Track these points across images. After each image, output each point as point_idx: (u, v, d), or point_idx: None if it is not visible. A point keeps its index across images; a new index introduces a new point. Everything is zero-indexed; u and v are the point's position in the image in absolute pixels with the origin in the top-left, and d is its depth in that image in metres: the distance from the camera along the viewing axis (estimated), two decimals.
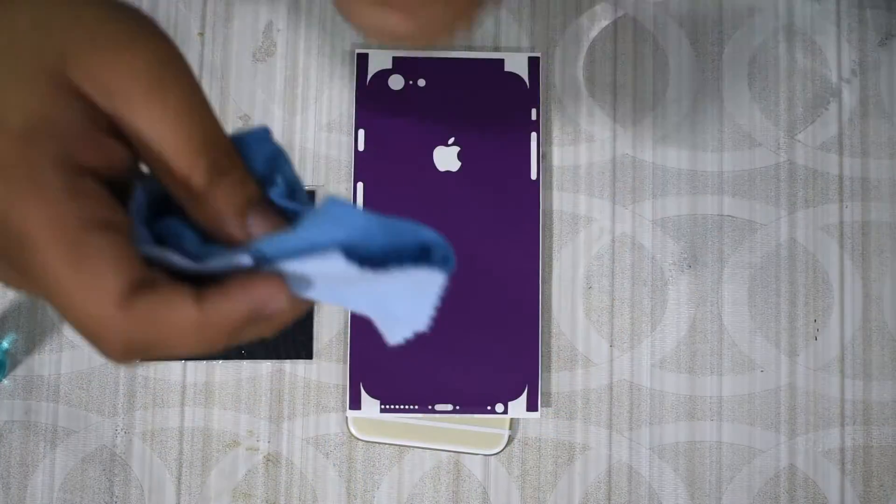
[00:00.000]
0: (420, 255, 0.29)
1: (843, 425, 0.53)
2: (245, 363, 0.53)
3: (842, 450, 0.53)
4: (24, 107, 0.26)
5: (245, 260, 0.28)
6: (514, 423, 0.52)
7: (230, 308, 0.27)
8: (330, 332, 0.53)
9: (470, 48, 0.54)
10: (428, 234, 0.29)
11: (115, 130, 0.28)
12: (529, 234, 0.52)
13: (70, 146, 0.26)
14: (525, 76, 0.54)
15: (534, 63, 0.54)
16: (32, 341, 0.52)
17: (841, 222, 0.54)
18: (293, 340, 0.52)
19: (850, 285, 0.54)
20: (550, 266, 0.53)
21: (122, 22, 0.28)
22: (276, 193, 0.29)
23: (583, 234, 0.54)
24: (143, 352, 0.27)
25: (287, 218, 0.30)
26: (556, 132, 0.54)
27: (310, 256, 0.27)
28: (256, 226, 0.29)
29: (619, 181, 0.54)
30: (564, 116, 0.54)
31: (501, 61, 0.54)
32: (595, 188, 0.54)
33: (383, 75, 0.53)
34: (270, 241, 0.28)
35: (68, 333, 0.52)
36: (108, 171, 0.27)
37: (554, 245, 0.53)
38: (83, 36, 0.27)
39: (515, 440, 0.52)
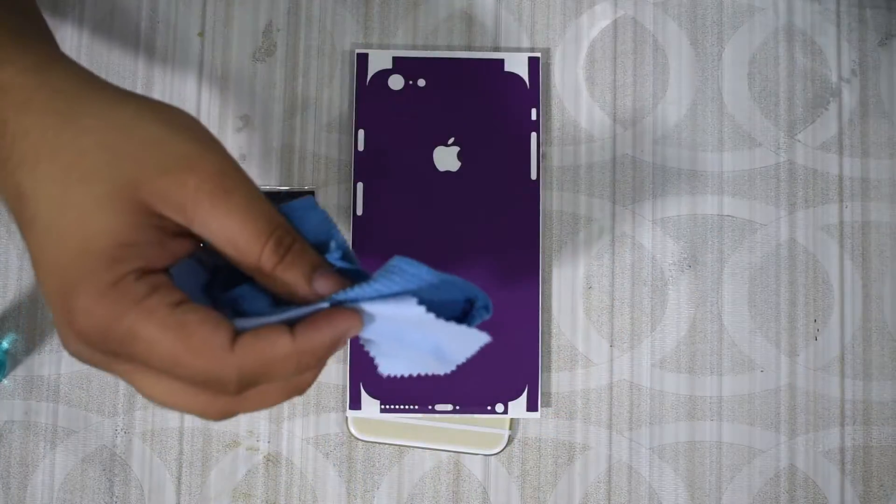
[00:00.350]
0: (465, 304, 0.36)
1: (843, 425, 0.53)
2: None
3: (842, 450, 0.53)
4: (108, 232, 0.30)
5: (324, 305, 0.33)
6: (514, 423, 0.52)
7: (320, 337, 0.32)
8: None
9: (470, 48, 0.55)
10: (473, 289, 0.35)
11: (184, 230, 0.32)
12: (529, 234, 0.52)
13: (149, 259, 0.31)
14: (525, 76, 0.54)
15: (534, 63, 0.54)
16: (32, 341, 0.52)
17: (841, 222, 0.54)
18: None
19: (850, 285, 0.54)
20: (550, 266, 0.53)
21: (182, 143, 0.32)
22: (334, 257, 0.34)
23: (583, 234, 0.54)
24: (254, 383, 0.32)
25: (344, 276, 0.34)
26: (556, 132, 0.54)
27: (386, 301, 0.33)
28: (322, 287, 0.33)
29: (619, 181, 0.54)
30: (564, 116, 0.54)
31: (501, 61, 0.54)
32: (595, 188, 0.54)
33: (383, 75, 0.53)
34: (347, 292, 0.33)
35: None
36: (174, 260, 0.33)
37: (554, 245, 0.53)
38: (151, 161, 0.31)
39: (515, 440, 0.52)
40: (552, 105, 0.54)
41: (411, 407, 0.51)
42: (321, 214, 0.35)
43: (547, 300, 0.53)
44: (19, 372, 0.52)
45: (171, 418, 0.52)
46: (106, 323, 0.30)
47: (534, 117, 0.53)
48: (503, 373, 0.52)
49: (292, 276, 0.33)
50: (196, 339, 0.31)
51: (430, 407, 0.51)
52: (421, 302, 0.33)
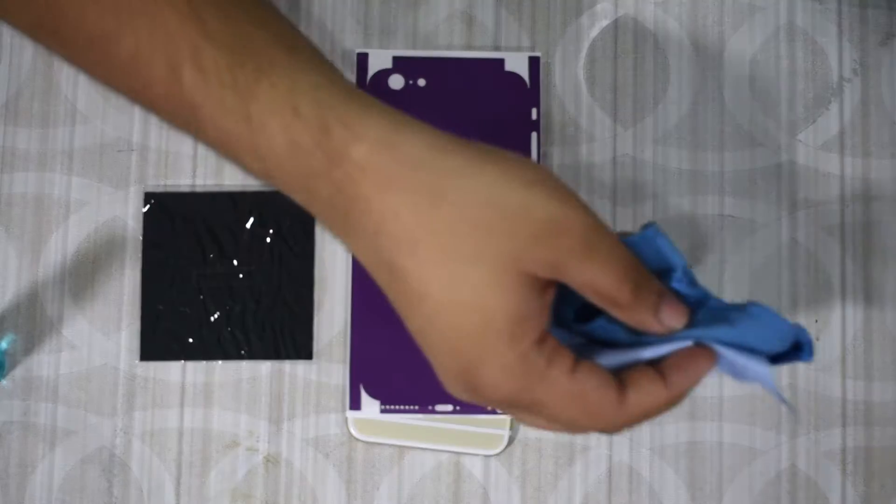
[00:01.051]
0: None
1: (844, 426, 0.53)
2: (245, 363, 0.52)
3: (843, 451, 0.53)
4: (504, 310, 0.32)
5: (684, 343, 0.36)
6: (514, 424, 0.52)
7: (687, 383, 0.35)
8: (330, 332, 0.53)
9: (470, 48, 0.54)
10: (804, 333, 0.37)
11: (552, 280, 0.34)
12: None
13: (540, 326, 0.33)
14: (525, 76, 0.54)
15: (534, 63, 0.54)
16: (31, 342, 0.52)
17: (842, 222, 0.54)
18: (293, 340, 0.52)
19: (851, 286, 0.53)
20: None
21: (548, 207, 0.33)
22: (678, 280, 0.36)
23: None
24: (630, 428, 0.36)
25: (686, 301, 0.36)
26: (556, 132, 0.54)
27: (742, 354, 0.36)
28: (668, 317, 0.35)
29: (619, 181, 0.54)
30: (564, 116, 0.54)
31: (501, 61, 0.54)
32: (595, 188, 0.54)
33: (383, 75, 0.53)
34: (710, 331, 0.36)
35: (67, 334, 0.52)
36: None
37: None
38: (525, 232, 0.32)
39: (516, 441, 0.52)
40: (552, 105, 0.54)
41: (411, 407, 0.51)
42: (665, 241, 0.37)
43: None
44: (18, 372, 0.52)
45: (171, 419, 0.52)
46: (513, 395, 0.33)
47: (534, 117, 0.53)
48: None
49: (644, 310, 0.34)
50: (593, 405, 0.34)
51: (430, 407, 0.51)
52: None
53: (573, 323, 0.38)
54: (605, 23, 0.55)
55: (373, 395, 0.51)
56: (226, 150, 0.34)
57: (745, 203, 0.54)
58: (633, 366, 0.36)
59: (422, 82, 0.53)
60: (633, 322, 0.35)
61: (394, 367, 0.51)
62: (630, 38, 0.55)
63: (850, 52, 0.55)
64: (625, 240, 0.36)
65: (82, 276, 0.53)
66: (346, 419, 0.52)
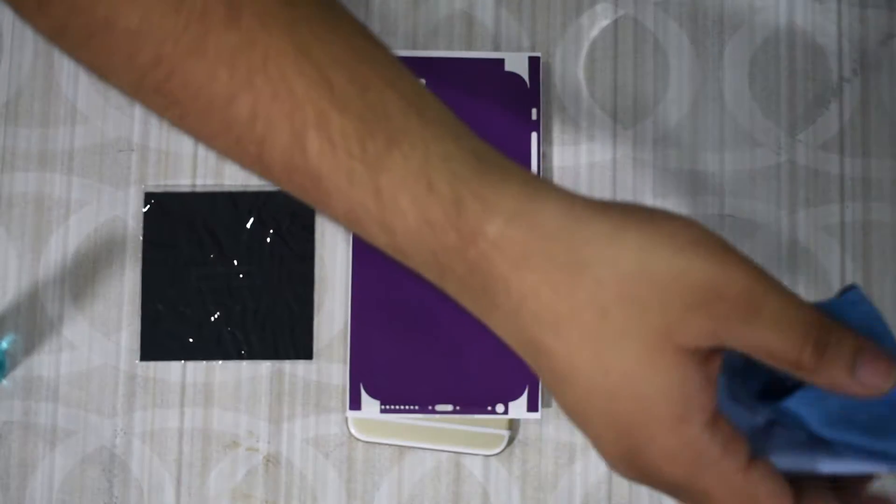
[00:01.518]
0: None
1: None
2: (245, 363, 0.52)
3: None
4: (662, 394, 0.29)
5: (880, 469, 0.31)
6: (514, 424, 0.52)
7: None
8: (330, 332, 0.53)
9: (470, 48, 0.54)
10: None
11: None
12: None
13: (707, 403, 0.29)
14: (525, 76, 0.54)
15: (534, 63, 0.54)
16: (31, 342, 0.52)
17: (842, 222, 0.54)
18: (293, 340, 0.52)
19: None
20: None
21: (702, 270, 0.29)
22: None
23: None
24: None
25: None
26: (556, 132, 0.54)
27: None
28: (868, 374, 0.30)
29: (619, 181, 0.54)
30: (564, 116, 0.54)
31: (501, 61, 0.54)
32: (595, 188, 0.54)
33: None
34: None
35: (67, 334, 0.52)
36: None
37: None
38: (675, 303, 0.29)
39: (516, 441, 0.52)
40: (552, 105, 0.54)
41: (411, 407, 0.51)
42: (869, 309, 0.32)
43: None
44: (18, 372, 0.52)
45: (171, 419, 0.52)
46: (680, 482, 0.30)
47: (534, 117, 0.53)
48: (503, 373, 0.52)
49: (834, 371, 0.30)
50: None
51: (430, 407, 0.51)
52: None
53: (758, 399, 0.33)
54: (605, 23, 0.55)
55: (373, 395, 0.51)
56: (351, 222, 0.31)
57: (745, 203, 0.54)
58: (813, 482, 0.32)
59: (422, 82, 0.53)
60: (827, 385, 0.30)
61: (394, 367, 0.51)
62: (630, 37, 0.55)
63: (850, 52, 0.55)
64: (821, 303, 0.32)
65: (82, 276, 0.53)
66: (346, 419, 0.52)
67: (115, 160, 0.54)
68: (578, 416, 0.31)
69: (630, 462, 0.30)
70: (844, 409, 0.33)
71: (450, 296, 0.32)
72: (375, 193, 0.30)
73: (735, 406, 0.33)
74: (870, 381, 0.30)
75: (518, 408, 0.51)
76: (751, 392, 0.33)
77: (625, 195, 0.54)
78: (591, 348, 0.29)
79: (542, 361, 0.31)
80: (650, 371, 0.29)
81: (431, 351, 0.52)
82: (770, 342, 0.29)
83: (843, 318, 0.31)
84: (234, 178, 0.54)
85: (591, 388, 0.30)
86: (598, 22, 0.55)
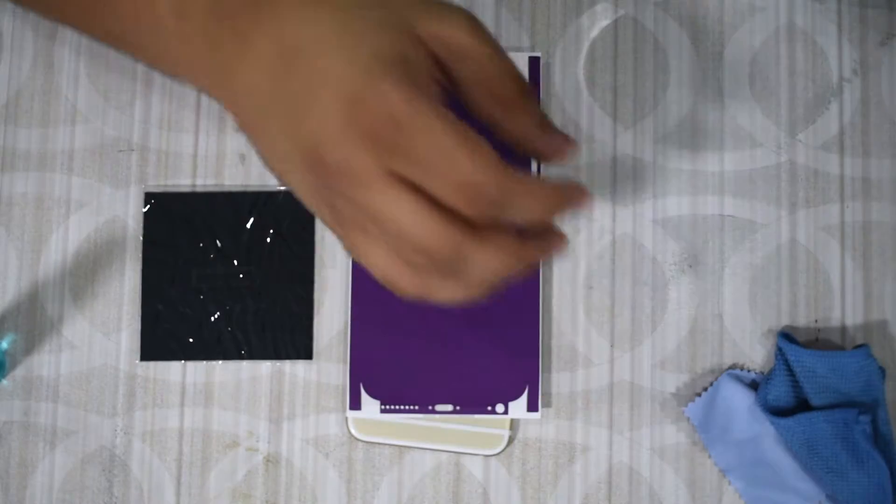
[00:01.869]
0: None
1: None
2: (245, 363, 0.52)
3: None
4: (390, 49, 0.35)
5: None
6: (514, 424, 0.52)
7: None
8: (330, 332, 0.53)
9: None
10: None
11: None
12: None
13: (431, 73, 0.37)
14: (525, 76, 0.53)
15: (534, 63, 0.54)
16: (31, 342, 0.52)
17: (842, 222, 0.54)
18: (293, 340, 0.52)
19: (850, 286, 0.53)
20: (551, 266, 0.53)
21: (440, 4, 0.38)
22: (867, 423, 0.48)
23: (583, 233, 0.53)
24: (503, 209, 0.36)
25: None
26: None
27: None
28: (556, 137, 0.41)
29: (619, 181, 0.54)
30: (564, 116, 0.54)
31: None
32: (595, 188, 0.54)
33: None
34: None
35: (67, 334, 0.52)
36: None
37: None
38: (421, 12, 0.37)
39: (516, 441, 0.52)
40: (552, 105, 0.54)
41: (411, 407, 0.51)
42: (876, 370, 0.48)
43: (547, 300, 0.53)
44: (18, 372, 0.52)
45: (171, 419, 0.52)
46: (397, 109, 0.33)
47: None
48: (503, 373, 0.52)
49: (531, 115, 0.40)
50: (472, 140, 0.34)
51: (430, 407, 0.51)
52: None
53: (769, 410, 0.48)
54: (605, 23, 0.55)
55: (373, 395, 0.51)
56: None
57: (745, 203, 0.54)
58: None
59: None
60: (518, 129, 0.40)
61: (394, 367, 0.51)
62: (630, 37, 0.55)
63: (850, 52, 0.55)
64: (836, 353, 0.47)
65: (82, 276, 0.53)
66: (346, 419, 0.52)
67: (115, 160, 0.54)
68: (308, 67, 0.36)
69: (349, 103, 0.34)
70: (814, 441, 0.47)
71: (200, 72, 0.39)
72: None
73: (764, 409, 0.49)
74: (556, 140, 0.40)
75: (518, 408, 0.51)
76: (766, 401, 0.48)
77: (625, 195, 0.54)
78: (339, 22, 0.36)
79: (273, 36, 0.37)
80: (391, 36, 0.36)
81: (431, 351, 0.52)
82: (485, 65, 0.39)
83: (846, 368, 0.46)
84: (234, 178, 0.54)
85: (330, 47, 0.35)
86: (598, 22, 0.55)
